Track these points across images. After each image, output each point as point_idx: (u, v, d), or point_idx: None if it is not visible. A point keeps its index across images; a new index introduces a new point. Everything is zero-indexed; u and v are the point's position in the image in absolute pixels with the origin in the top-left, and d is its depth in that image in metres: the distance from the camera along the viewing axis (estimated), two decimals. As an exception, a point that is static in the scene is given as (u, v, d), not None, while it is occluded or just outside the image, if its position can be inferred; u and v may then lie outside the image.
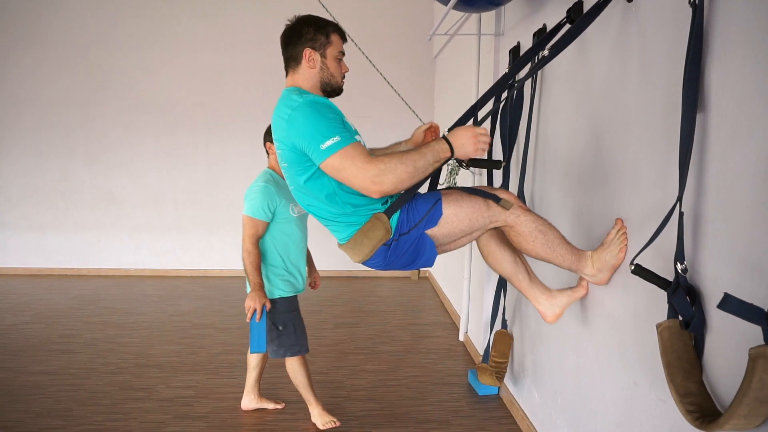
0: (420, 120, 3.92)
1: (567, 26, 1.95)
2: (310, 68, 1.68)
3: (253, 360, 2.77)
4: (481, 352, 3.23)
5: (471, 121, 1.91)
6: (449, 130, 1.66)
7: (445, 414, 2.82)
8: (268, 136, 2.63)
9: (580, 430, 2.03)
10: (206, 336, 3.98)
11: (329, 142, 1.50)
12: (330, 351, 3.67)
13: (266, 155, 2.74)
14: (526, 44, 2.56)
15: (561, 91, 2.22)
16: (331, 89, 1.73)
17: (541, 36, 2.32)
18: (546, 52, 1.72)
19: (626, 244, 1.65)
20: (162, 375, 3.28)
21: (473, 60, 3.53)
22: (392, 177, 1.48)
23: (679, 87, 1.31)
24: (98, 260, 6.00)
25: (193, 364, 3.46)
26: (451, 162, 3.36)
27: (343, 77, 1.75)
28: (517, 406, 2.73)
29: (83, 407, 2.86)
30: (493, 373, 2.64)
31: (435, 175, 2.05)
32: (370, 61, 3.66)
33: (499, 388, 3.00)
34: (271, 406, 2.84)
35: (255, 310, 2.39)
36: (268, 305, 2.44)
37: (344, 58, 1.76)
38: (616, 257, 1.67)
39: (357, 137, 1.66)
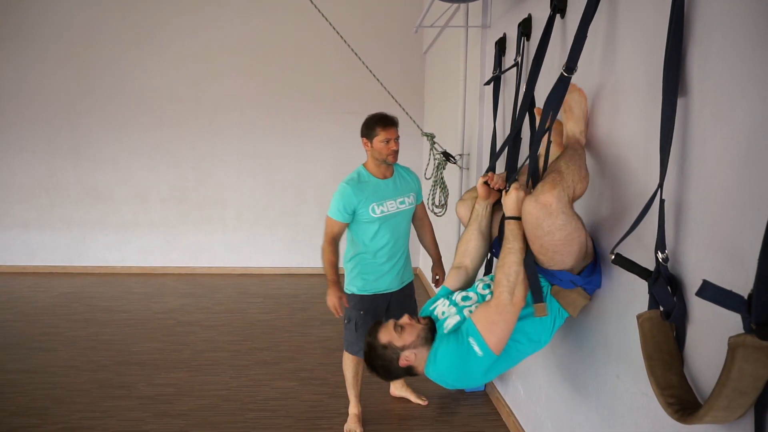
0: (409, 117, 3.89)
1: (556, 19, 1.90)
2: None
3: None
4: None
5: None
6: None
7: (430, 410, 2.78)
8: (364, 130, 2.49)
9: (563, 426, 1.99)
10: (191, 333, 3.92)
11: (473, 342, 1.53)
12: (316, 348, 3.62)
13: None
14: (512, 35, 2.52)
15: (544, 79, 2.17)
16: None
17: (527, 27, 2.29)
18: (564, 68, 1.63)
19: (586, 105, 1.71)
20: (143, 372, 3.22)
21: (461, 53, 3.49)
22: (518, 291, 1.53)
23: (660, 71, 1.27)
24: (84, 257, 5.91)
25: (175, 361, 3.40)
26: (438, 156, 3.35)
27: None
28: (503, 402, 2.70)
29: (60, 405, 2.79)
30: (479, 369, 2.60)
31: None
32: (358, 56, 3.61)
33: (484, 384, 2.97)
34: (413, 398, 2.84)
35: (336, 308, 2.43)
36: (344, 300, 2.46)
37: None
38: (582, 127, 1.70)
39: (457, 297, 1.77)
